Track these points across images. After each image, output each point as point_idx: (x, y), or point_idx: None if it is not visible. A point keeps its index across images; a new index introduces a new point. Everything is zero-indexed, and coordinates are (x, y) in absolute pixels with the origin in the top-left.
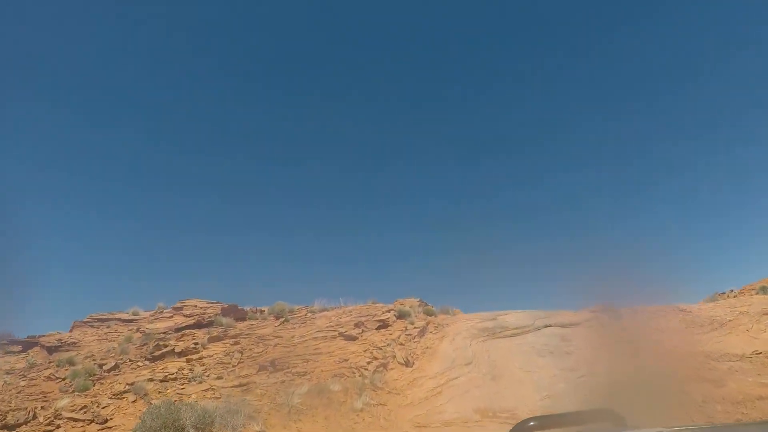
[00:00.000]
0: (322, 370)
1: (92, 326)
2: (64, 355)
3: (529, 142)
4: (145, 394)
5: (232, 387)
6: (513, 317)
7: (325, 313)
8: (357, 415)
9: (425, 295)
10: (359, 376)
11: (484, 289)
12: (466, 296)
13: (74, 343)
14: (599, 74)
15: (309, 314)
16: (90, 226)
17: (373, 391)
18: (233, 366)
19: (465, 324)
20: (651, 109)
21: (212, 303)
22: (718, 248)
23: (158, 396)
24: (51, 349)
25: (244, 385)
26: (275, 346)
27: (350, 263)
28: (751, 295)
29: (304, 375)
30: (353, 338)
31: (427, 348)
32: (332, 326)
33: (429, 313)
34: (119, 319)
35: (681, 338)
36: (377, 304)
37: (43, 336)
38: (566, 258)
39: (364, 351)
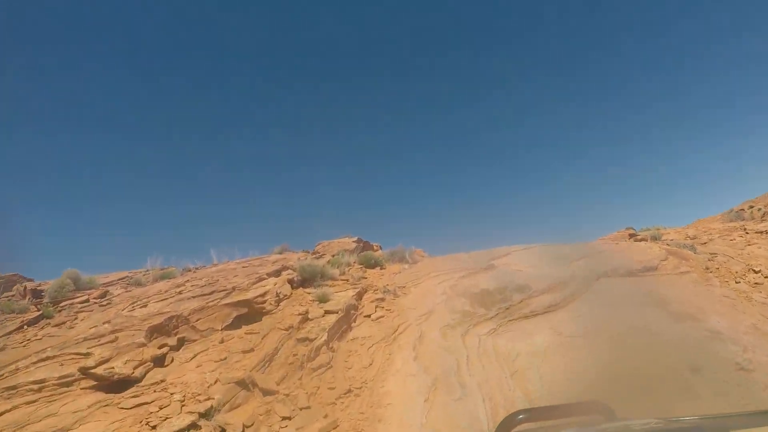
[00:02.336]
0: None
1: None
2: None
3: None
4: None
5: None
6: (521, 258)
7: (156, 286)
8: None
9: (369, 235)
10: None
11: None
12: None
13: None
14: None
15: (117, 293)
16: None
17: None
18: None
19: (439, 284)
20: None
21: None
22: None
23: None
24: None
25: None
26: None
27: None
28: None
29: None
30: (131, 381)
31: (349, 393)
32: (102, 335)
33: (369, 263)
34: None
35: None
36: (270, 257)
37: None
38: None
39: None
